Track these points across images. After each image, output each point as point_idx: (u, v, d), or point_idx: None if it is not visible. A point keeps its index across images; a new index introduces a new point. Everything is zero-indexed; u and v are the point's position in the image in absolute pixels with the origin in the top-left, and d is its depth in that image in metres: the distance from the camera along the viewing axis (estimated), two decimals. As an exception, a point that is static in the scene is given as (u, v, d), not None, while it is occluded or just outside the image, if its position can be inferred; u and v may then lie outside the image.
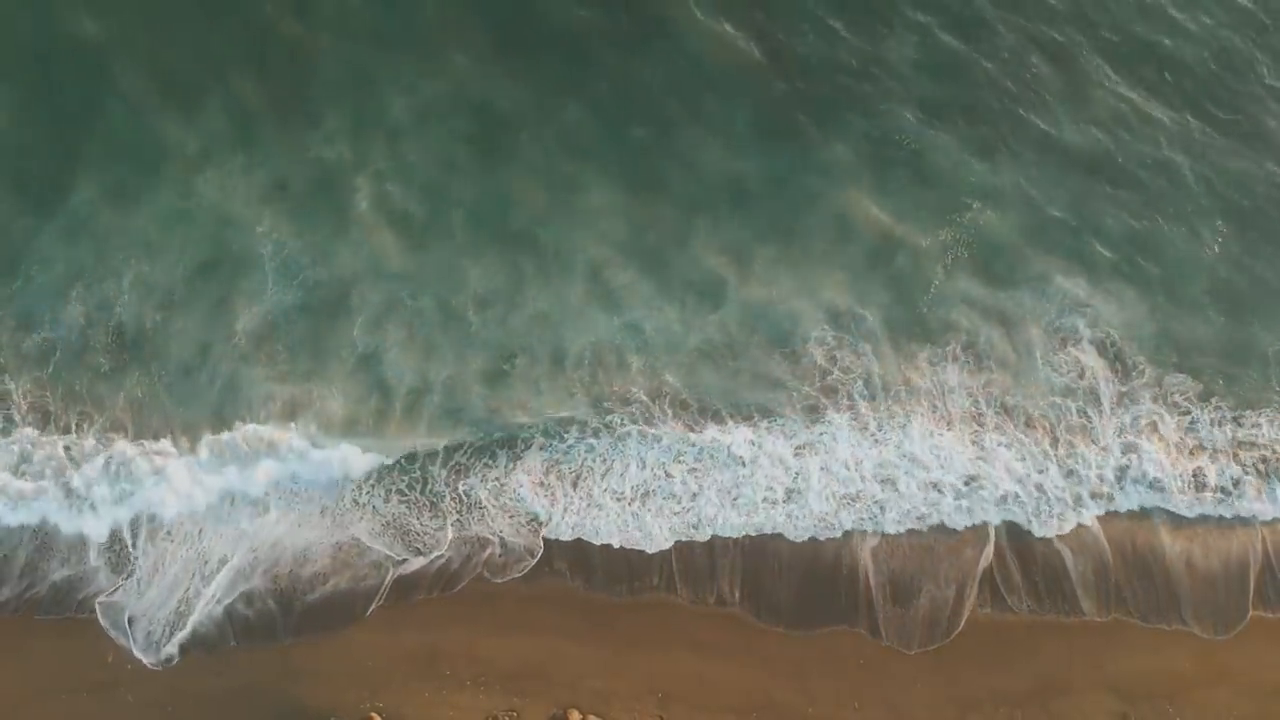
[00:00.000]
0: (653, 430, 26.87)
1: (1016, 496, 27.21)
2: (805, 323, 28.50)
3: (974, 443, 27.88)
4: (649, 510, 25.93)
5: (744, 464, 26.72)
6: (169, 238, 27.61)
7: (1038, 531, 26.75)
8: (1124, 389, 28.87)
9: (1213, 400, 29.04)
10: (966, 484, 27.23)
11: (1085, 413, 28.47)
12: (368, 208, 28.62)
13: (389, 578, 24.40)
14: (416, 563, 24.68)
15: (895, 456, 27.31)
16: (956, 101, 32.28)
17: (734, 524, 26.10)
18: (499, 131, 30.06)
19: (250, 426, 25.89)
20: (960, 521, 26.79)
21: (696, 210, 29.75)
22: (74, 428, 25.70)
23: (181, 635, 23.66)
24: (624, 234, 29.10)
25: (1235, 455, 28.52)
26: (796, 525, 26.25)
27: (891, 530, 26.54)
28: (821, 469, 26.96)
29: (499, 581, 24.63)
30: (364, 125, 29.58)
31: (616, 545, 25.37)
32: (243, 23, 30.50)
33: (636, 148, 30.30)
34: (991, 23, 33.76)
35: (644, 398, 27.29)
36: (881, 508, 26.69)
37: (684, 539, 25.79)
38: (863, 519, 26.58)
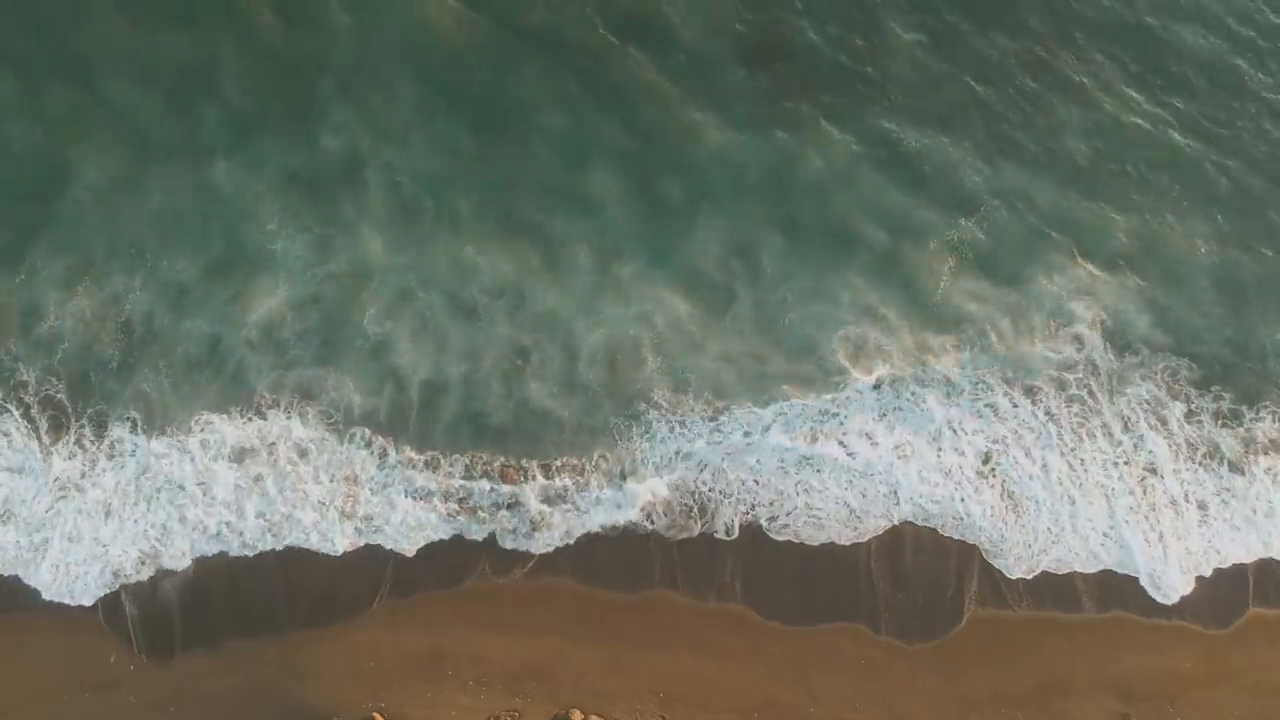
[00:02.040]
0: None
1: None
2: (823, 317, 28.68)
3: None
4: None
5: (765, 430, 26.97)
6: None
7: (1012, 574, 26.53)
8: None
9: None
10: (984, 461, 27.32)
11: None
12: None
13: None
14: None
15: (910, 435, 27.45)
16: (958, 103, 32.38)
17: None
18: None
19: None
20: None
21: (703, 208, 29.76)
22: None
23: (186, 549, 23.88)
24: (628, 227, 29.08)
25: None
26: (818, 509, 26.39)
27: (902, 518, 26.55)
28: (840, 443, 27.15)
29: (501, 581, 24.69)
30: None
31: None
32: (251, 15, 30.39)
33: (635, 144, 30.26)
34: (992, 25, 33.86)
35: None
36: (895, 493, 26.71)
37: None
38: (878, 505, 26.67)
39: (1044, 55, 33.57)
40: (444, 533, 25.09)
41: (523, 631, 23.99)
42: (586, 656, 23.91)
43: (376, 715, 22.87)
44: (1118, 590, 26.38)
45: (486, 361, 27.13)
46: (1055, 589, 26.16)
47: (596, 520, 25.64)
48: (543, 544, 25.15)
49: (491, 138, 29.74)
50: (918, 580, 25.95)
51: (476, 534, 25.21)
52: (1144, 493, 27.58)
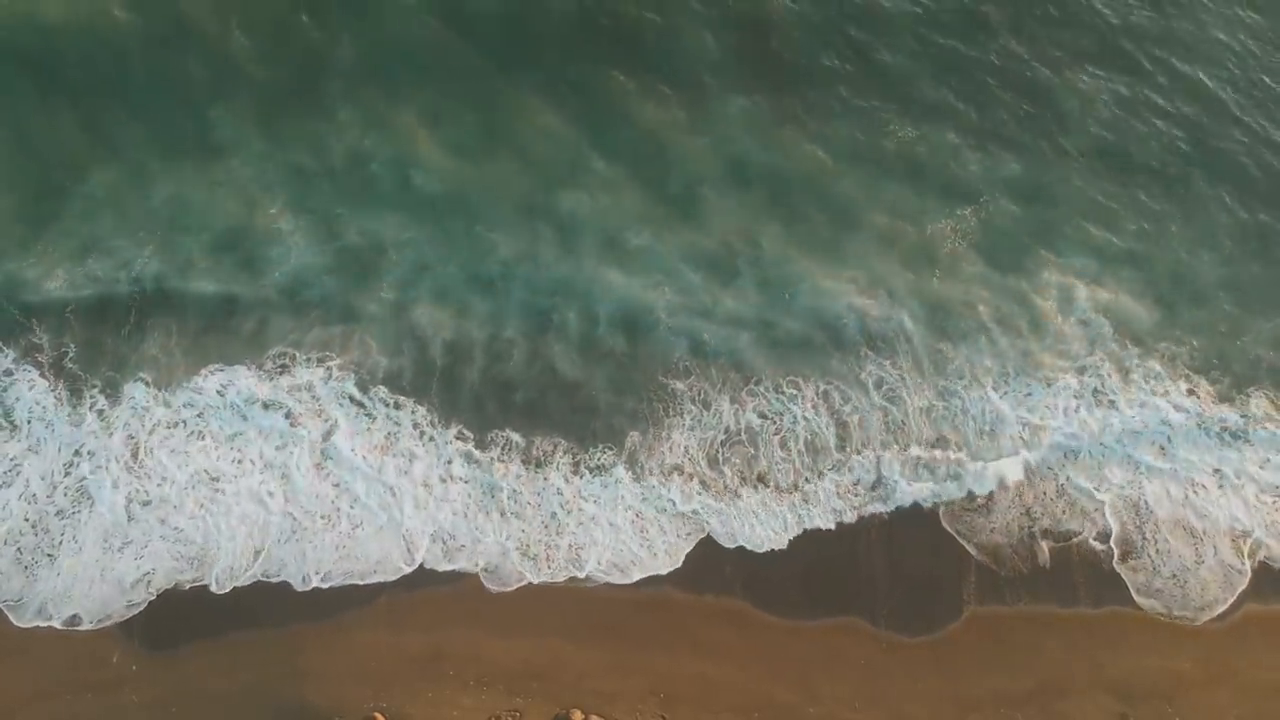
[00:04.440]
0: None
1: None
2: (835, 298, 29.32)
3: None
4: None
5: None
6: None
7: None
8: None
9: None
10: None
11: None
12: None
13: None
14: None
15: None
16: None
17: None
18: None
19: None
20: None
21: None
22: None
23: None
24: (639, 211, 29.65)
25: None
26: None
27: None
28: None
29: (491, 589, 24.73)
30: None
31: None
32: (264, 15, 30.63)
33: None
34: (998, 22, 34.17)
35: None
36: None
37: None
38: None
39: (1055, 52, 34.04)
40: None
41: (524, 631, 24.02)
42: (587, 657, 23.93)
43: (378, 715, 22.88)
44: (1114, 585, 26.43)
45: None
46: (1052, 584, 26.23)
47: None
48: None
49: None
50: (916, 574, 26.01)
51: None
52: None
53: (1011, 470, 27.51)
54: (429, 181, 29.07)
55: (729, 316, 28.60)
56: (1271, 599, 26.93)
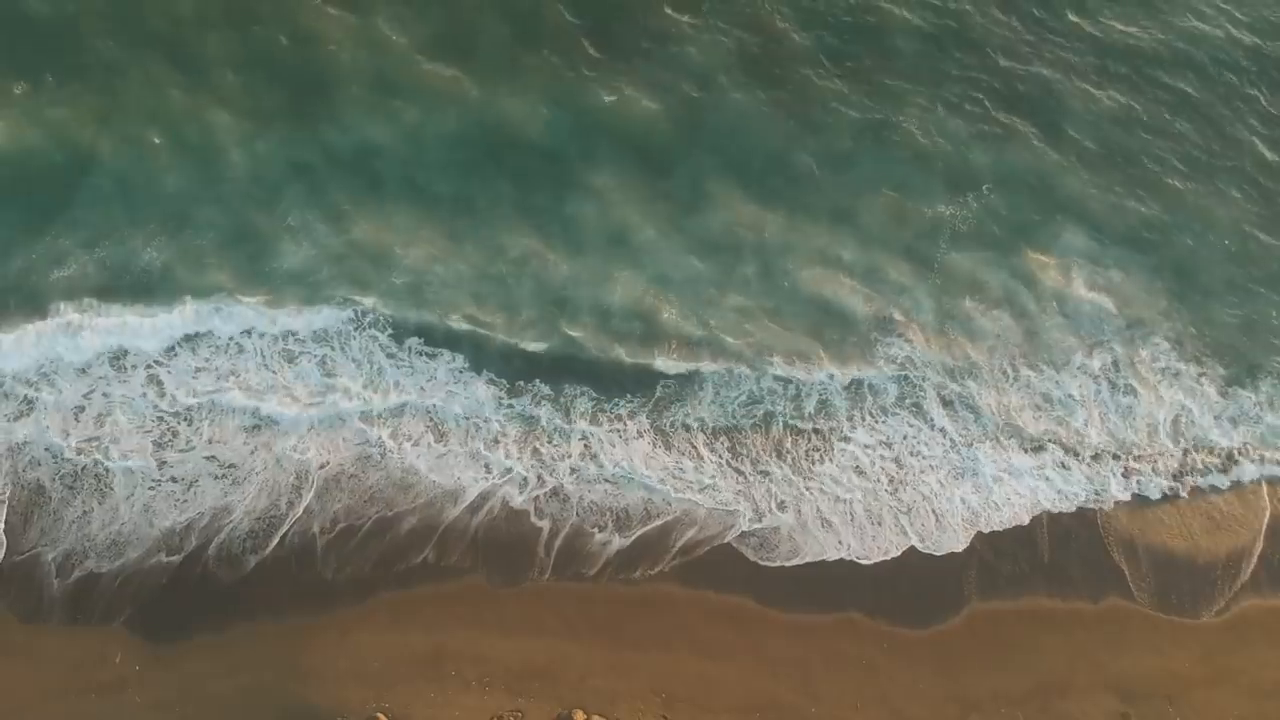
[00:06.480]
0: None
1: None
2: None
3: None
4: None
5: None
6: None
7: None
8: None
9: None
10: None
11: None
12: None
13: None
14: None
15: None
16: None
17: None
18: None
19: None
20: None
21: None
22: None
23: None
24: (647, 202, 29.39)
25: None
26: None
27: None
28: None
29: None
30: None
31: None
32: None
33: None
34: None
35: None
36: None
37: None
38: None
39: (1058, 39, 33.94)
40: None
41: (525, 631, 24.05)
42: (589, 656, 23.98)
43: (380, 715, 22.96)
44: (1114, 580, 26.48)
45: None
46: (1052, 579, 26.32)
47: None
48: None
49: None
50: (917, 569, 26.07)
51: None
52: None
53: None
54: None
55: (733, 305, 28.49)
56: (1271, 595, 27.01)
